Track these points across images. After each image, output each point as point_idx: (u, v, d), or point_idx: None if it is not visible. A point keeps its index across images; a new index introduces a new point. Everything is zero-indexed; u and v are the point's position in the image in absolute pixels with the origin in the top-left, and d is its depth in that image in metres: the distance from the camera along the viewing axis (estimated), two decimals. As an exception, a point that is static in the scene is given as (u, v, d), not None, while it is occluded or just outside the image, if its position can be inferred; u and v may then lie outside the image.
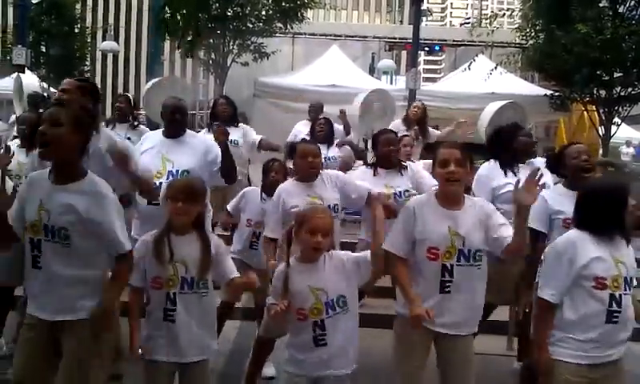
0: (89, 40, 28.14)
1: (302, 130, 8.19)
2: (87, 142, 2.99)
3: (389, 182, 4.83)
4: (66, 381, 2.87)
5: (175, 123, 4.58)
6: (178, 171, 4.37)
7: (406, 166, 4.99)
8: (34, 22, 20.62)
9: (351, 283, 3.16)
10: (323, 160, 7.11)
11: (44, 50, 23.08)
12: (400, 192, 4.80)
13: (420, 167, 5.22)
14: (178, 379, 3.16)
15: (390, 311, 3.68)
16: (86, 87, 3.95)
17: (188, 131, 4.70)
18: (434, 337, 3.35)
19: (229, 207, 4.93)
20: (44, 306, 2.90)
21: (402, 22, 43.88)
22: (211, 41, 17.78)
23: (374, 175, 4.90)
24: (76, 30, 26.34)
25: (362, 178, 4.83)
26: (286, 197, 4.21)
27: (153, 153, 4.49)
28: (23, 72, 13.23)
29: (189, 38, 17.26)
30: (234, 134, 6.38)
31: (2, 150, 3.96)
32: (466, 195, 3.42)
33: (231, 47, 17.77)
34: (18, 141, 5.22)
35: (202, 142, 4.72)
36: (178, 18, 17.26)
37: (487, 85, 14.83)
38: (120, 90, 46.93)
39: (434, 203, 3.33)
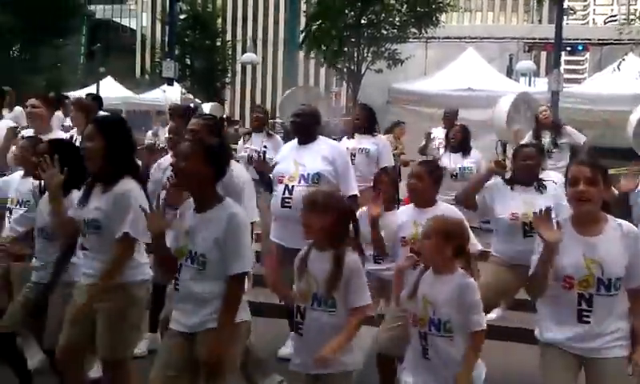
0: (229, 53, 29.55)
1: (437, 135, 8.05)
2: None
3: (527, 200, 4.43)
4: None
5: (303, 129, 4.72)
6: (309, 175, 4.48)
7: (545, 185, 4.57)
8: (180, 36, 21.96)
9: None
10: (457, 170, 6.96)
11: (189, 63, 24.50)
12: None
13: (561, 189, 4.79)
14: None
15: (525, 325, 3.46)
16: (211, 125, 4.35)
17: (320, 137, 4.81)
18: (581, 362, 3.09)
19: None
20: (180, 320, 3.06)
21: (540, 21, 42.07)
22: (346, 49, 18.04)
23: (512, 190, 4.55)
24: (218, 44, 27.77)
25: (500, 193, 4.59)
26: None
27: (286, 159, 4.69)
28: (172, 85, 14.16)
29: (333, 48, 17.57)
30: (368, 143, 6.33)
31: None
32: (609, 216, 3.11)
33: (365, 55, 17.91)
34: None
35: (332, 147, 4.81)
36: (319, 27, 17.64)
37: (638, 85, 13.78)
38: (258, 100, 48.95)
39: (569, 228, 3.06)
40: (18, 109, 7.03)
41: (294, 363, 3.10)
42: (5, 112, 6.76)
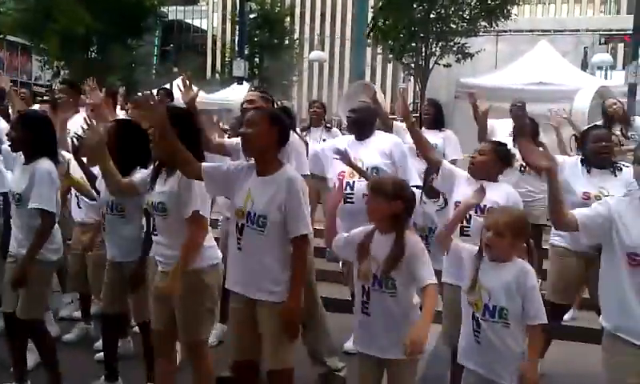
0: (297, 51, 29.81)
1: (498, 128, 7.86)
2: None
3: (601, 184, 4.39)
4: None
5: (360, 125, 4.79)
6: (367, 169, 4.57)
7: (621, 168, 4.47)
8: (250, 36, 22.33)
9: None
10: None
11: (258, 62, 24.88)
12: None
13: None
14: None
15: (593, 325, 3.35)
16: (267, 97, 4.56)
17: (377, 132, 4.93)
18: None
19: None
20: (243, 285, 3.19)
21: (618, 12, 40.37)
22: (414, 44, 17.89)
23: (589, 173, 4.48)
24: (286, 42, 28.09)
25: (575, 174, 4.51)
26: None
27: None
28: (242, 83, 14.45)
29: (401, 44, 17.49)
30: (435, 137, 6.30)
31: None
32: None
33: (433, 49, 17.70)
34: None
35: (389, 140, 4.86)
36: (385, 22, 17.58)
37: None
38: (325, 98, 49.17)
39: (636, 204, 2.92)
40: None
41: (359, 344, 3.18)
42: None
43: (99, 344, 4.79)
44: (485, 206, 3.58)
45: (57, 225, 4.00)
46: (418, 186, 4.46)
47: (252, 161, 3.23)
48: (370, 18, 19.90)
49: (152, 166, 3.56)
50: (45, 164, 3.84)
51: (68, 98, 6.18)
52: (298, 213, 3.10)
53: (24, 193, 3.80)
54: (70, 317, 5.63)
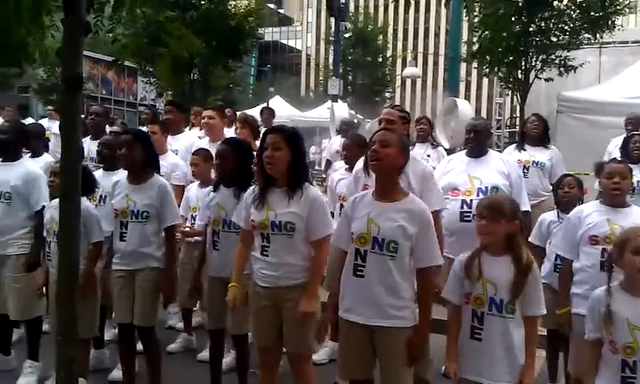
0: (390, 68, 29.84)
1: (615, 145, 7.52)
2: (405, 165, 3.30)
3: None
4: None
5: (473, 143, 4.73)
6: (487, 188, 4.48)
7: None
8: (344, 54, 22.58)
9: None
10: (636, 184, 6.41)
11: (351, 79, 25.11)
12: None
13: None
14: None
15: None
16: (406, 117, 4.48)
17: (490, 151, 4.85)
18: None
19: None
20: (362, 311, 3.18)
21: None
22: (512, 58, 17.43)
23: None
24: (379, 60, 28.20)
25: None
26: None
27: (458, 172, 4.67)
28: (336, 101, 14.63)
29: (499, 58, 17.11)
30: (543, 155, 6.12)
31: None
32: None
33: (534, 63, 17.17)
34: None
35: (505, 161, 4.78)
36: (484, 37, 17.26)
37: None
38: (417, 114, 48.75)
39: None
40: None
41: (466, 370, 3.11)
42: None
43: (201, 355, 5.00)
44: None
45: None
46: (525, 212, 4.33)
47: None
48: (465, 35, 19.62)
49: (255, 185, 3.66)
50: (163, 181, 4.19)
51: (174, 118, 6.51)
52: (428, 244, 3.13)
53: (150, 210, 4.10)
54: (174, 327, 5.85)
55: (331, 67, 24.03)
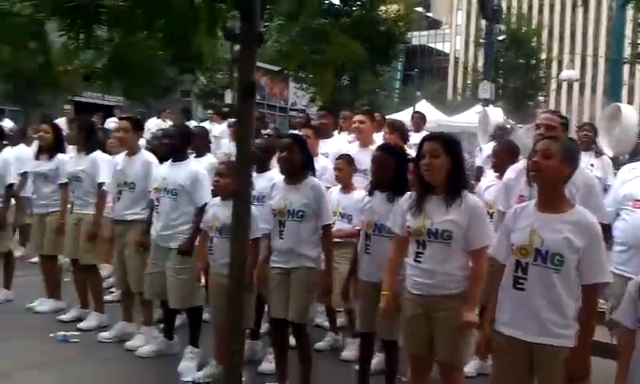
0: (545, 71, 28.50)
1: None
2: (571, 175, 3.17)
3: None
4: None
5: None
6: None
7: None
8: (495, 57, 21.90)
9: None
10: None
11: (502, 84, 24.28)
12: None
13: None
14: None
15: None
16: (565, 123, 4.30)
17: None
18: None
19: None
20: (521, 325, 3.05)
21: None
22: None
23: None
24: (532, 62, 27.01)
25: None
26: None
27: (631, 183, 4.25)
28: (487, 106, 14.16)
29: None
30: None
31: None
32: None
33: None
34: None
35: None
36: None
37: None
38: (574, 119, 46.11)
39: None
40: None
41: None
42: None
43: (346, 354, 5.13)
44: None
45: None
46: None
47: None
48: (628, 33, 18.26)
49: (412, 192, 3.65)
50: (317, 181, 4.36)
51: (327, 123, 6.70)
52: (597, 259, 2.99)
53: (306, 209, 4.25)
54: (321, 325, 5.99)
55: (480, 70, 23.37)
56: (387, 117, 8.34)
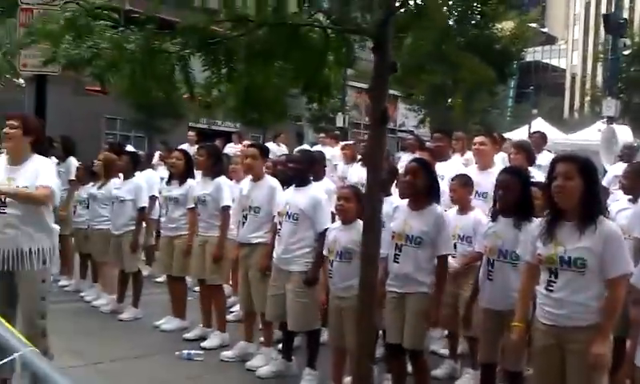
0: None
1: None
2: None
3: None
4: None
5: None
6: None
7: None
8: (620, 72, 20.80)
9: None
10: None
11: (625, 99, 22.97)
12: None
13: None
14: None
15: None
16: None
17: None
18: None
19: None
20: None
21: None
22: None
23: None
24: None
25: None
26: None
27: None
28: (611, 123, 13.44)
29: None
30: None
31: None
32: None
33: None
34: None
35: None
36: None
37: None
38: None
39: None
40: None
41: None
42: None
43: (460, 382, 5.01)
44: None
45: None
46: None
47: None
48: None
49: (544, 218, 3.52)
50: (440, 210, 4.41)
51: (444, 146, 6.62)
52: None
53: (425, 237, 4.23)
54: (437, 352, 5.86)
55: (599, 86, 22.21)
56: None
